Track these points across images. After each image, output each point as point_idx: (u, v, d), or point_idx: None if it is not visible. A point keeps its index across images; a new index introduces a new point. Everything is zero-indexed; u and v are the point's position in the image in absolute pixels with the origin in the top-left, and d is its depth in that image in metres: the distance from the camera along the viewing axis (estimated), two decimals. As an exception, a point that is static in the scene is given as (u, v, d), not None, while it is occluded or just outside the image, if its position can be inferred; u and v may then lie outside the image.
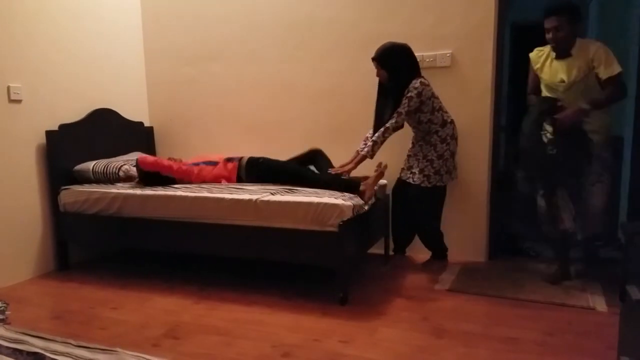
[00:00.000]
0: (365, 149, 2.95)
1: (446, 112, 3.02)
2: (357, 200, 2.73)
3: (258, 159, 3.17)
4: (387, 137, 2.94)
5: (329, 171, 3.05)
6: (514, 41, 5.13)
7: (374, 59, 3.00)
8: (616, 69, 2.64)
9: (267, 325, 2.41)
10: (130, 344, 2.17)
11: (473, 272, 3.11)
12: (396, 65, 2.97)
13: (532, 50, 2.96)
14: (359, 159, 3.01)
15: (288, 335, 2.29)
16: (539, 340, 2.17)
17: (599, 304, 2.55)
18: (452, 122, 3.02)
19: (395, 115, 2.92)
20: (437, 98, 2.99)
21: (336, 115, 3.59)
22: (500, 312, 2.51)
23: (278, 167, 3.11)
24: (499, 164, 3.40)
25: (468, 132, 3.25)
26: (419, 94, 2.90)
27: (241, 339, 2.27)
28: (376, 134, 2.95)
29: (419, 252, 3.33)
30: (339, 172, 3.00)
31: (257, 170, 3.14)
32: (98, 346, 1.25)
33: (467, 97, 3.26)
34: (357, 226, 2.74)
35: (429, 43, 3.29)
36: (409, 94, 2.90)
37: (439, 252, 3.24)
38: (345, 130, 3.51)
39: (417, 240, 3.31)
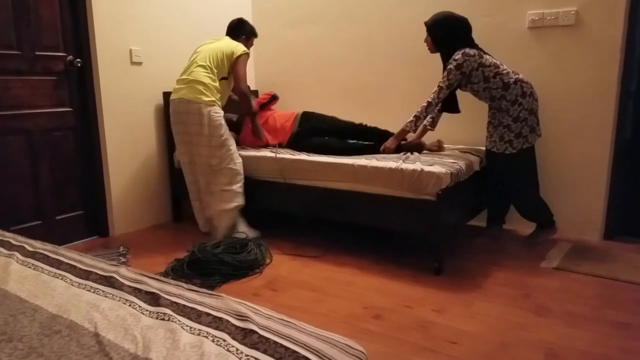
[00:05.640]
0: (407, 123, 2.88)
1: (507, 75, 2.76)
2: (456, 168, 2.63)
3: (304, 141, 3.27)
4: (430, 111, 2.85)
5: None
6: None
7: (425, 23, 2.89)
8: None
9: (358, 287, 2.45)
10: (233, 292, 2.34)
11: (585, 251, 2.88)
12: (441, 34, 2.83)
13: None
14: (399, 134, 2.96)
15: (379, 298, 2.32)
16: (657, 330, 1.98)
17: None
18: (517, 81, 2.75)
19: (436, 89, 2.80)
20: (489, 66, 2.75)
21: (438, 80, 3.44)
22: (612, 295, 2.31)
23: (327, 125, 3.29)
24: (624, 135, 3.04)
25: (590, 97, 2.96)
26: (459, 66, 2.72)
27: (332, 297, 2.33)
28: (419, 108, 2.85)
29: (522, 224, 3.15)
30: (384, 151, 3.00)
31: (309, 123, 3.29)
32: (206, 291, 1.36)
33: (592, 59, 2.94)
34: (456, 195, 2.65)
35: (550, -1, 3.00)
36: (448, 66, 2.76)
37: (544, 220, 2.99)
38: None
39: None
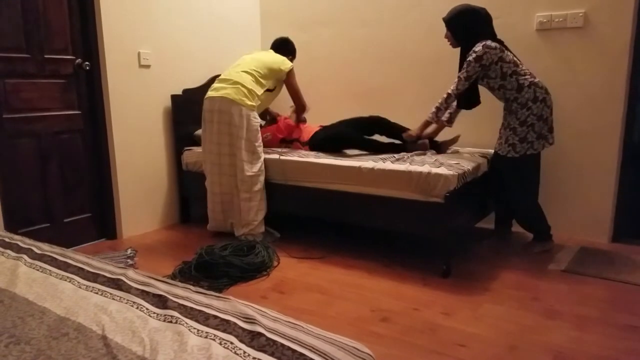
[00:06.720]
0: (429, 114, 2.92)
1: (523, 76, 2.71)
2: (463, 170, 2.62)
3: (319, 135, 3.32)
4: (450, 103, 2.86)
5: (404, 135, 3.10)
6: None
7: (443, 19, 2.87)
8: None
9: (366, 290, 2.44)
10: (241, 295, 2.34)
11: (593, 253, 2.85)
12: (460, 27, 2.80)
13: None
14: (423, 124, 3.01)
15: (387, 301, 2.31)
16: (668, 334, 1.96)
17: None
18: (531, 84, 2.70)
19: (455, 80, 2.79)
20: (508, 62, 2.71)
21: (449, 81, 3.43)
22: (621, 298, 2.29)
23: (341, 137, 3.24)
24: (633, 137, 3.02)
25: (599, 99, 2.94)
26: (478, 59, 2.69)
27: (341, 300, 2.33)
28: (440, 100, 2.87)
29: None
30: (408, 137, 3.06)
31: (320, 145, 3.26)
32: (213, 293, 1.36)
33: (600, 61, 2.92)
34: (464, 198, 2.64)
35: (558, 1, 2.98)
36: (468, 58, 2.73)
37: (540, 232, 2.94)
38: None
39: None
